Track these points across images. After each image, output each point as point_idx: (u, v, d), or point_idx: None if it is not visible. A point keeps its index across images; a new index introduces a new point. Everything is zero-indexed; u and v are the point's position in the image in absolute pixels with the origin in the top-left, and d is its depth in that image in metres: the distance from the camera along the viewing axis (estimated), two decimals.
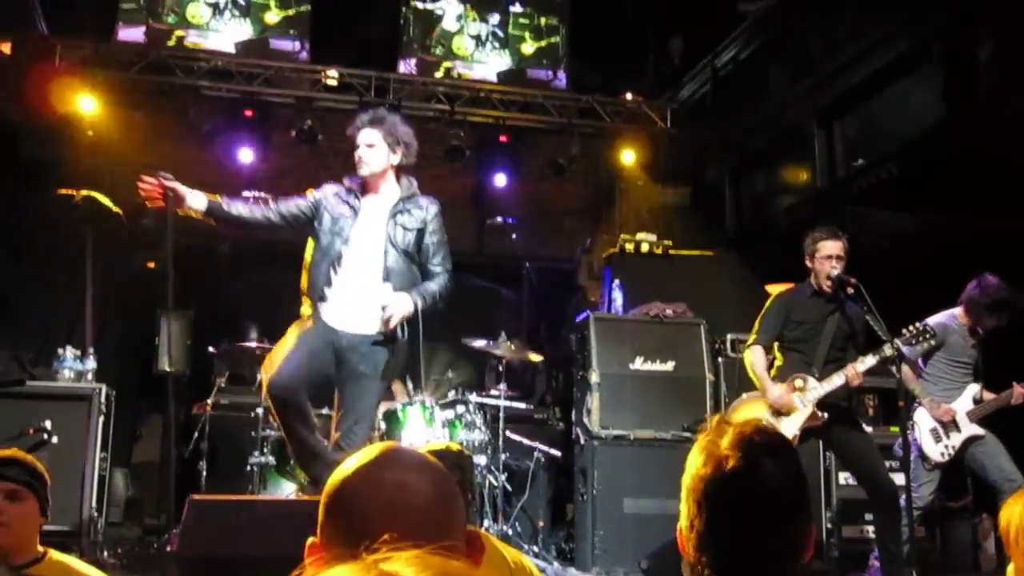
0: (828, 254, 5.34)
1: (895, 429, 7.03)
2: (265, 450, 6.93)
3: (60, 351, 6.88)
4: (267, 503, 4.68)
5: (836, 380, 5.24)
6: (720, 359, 7.61)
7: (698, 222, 9.69)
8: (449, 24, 9.81)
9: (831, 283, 5.36)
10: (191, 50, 9.06)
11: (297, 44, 9.33)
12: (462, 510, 1.38)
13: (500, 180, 9.79)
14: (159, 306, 8.46)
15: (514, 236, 9.19)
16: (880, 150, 7.53)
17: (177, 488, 6.82)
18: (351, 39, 9.57)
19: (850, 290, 5.30)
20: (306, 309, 4.81)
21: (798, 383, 5.33)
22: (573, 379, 7.74)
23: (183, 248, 9.46)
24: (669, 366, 7.38)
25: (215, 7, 9.23)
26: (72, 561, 3.05)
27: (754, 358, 5.51)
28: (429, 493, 1.31)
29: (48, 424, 6.18)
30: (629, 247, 8.62)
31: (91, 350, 7.00)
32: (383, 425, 6.60)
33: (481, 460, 6.78)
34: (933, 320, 5.93)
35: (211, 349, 8.03)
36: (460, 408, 7.01)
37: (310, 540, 1.34)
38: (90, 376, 6.82)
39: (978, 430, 6.06)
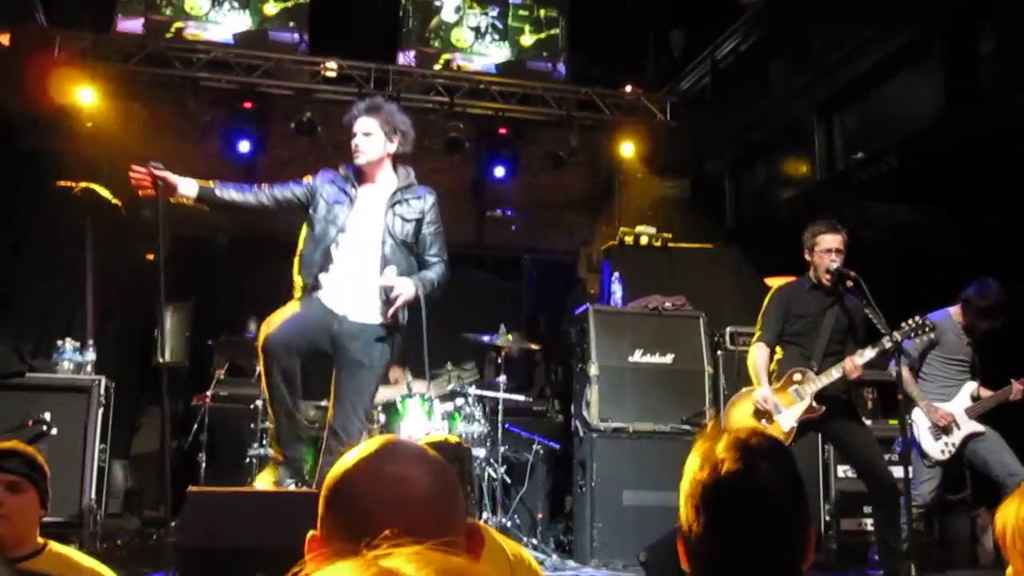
0: (827, 248, 5.34)
1: (894, 422, 7.05)
2: (264, 442, 6.92)
3: (59, 343, 6.88)
4: (266, 495, 4.67)
5: (834, 373, 5.24)
6: (719, 352, 7.62)
7: (698, 215, 9.69)
8: (448, 15, 9.79)
9: (830, 276, 5.36)
10: (190, 42, 9.04)
11: (296, 36, 9.31)
12: (462, 503, 1.38)
13: (499, 172, 9.79)
14: (158, 298, 8.47)
15: (513, 228, 9.22)
16: (880, 143, 7.52)
17: (176, 480, 6.83)
18: (350, 31, 9.55)
19: (849, 283, 5.30)
20: (297, 293, 4.80)
21: (797, 376, 5.33)
22: (572, 371, 7.75)
23: (182, 240, 9.50)
24: (668, 359, 7.39)
25: None
26: (72, 553, 3.05)
27: (755, 356, 5.52)
28: (430, 486, 1.31)
29: (48, 416, 6.19)
30: (628, 240, 8.61)
31: (91, 342, 7.00)
32: (382, 417, 6.60)
33: (480, 452, 6.79)
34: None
35: (210, 341, 8.04)
36: (459, 400, 7.02)
37: (310, 534, 1.34)
38: (90, 368, 6.82)
39: (978, 427, 6.07)
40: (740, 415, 5.46)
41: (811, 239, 5.41)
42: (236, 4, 9.23)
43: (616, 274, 8.33)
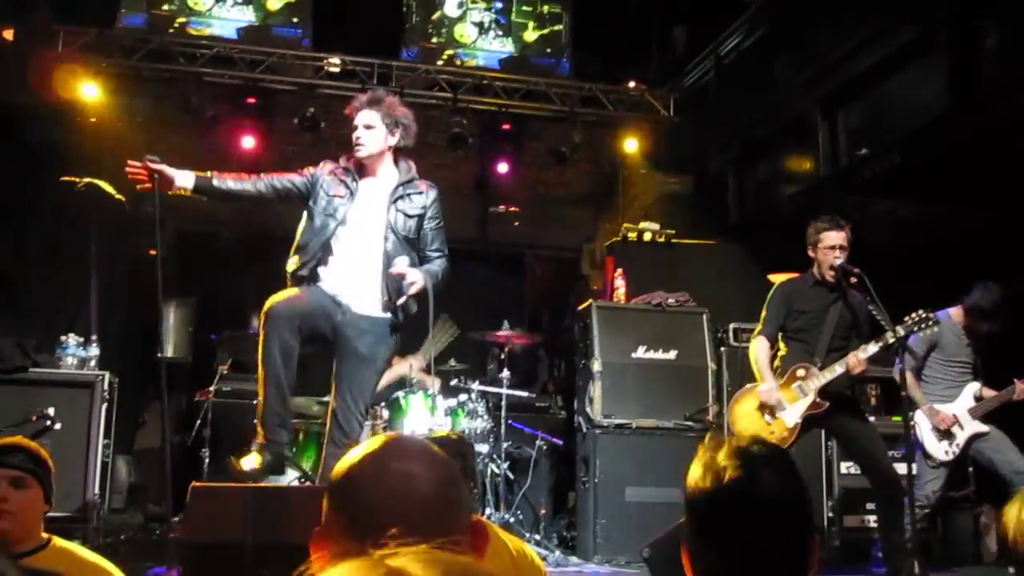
0: (831, 244, 5.33)
1: (897, 419, 7.04)
2: None
3: (63, 338, 6.89)
4: (269, 490, 4.67)
5: (838, 369, 5.24)
6: (722, 348, 7.62)
7: (701, 211, 9.67)
8: (451, 11, 9.78)
9: (834, 273, 5.35)
10: (193, 37, 9.04)
11: (299, 31, 9.31)
12: (467, 500, 1.38)
13: (503, 168, 9.78)
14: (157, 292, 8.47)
15: (516, 224, 9.21)
16: (884, 140, 7.51)
17: (180, 475, 6.83)
18: (353, 26, 9.54)
19: (853, 280, 5.30)
20: (290, 283, 4.76)
21: (800, 372, 5.33)
22: (575, 367, 7.74)
23: (186, 236, 9.50)
24: (671, 355, 7.39)
25: None
26: (75, 548, 3.06)
27: (757, 350, 5.51)
28: (434, 483, 1.31)
29: (51, 411, 6.20)
30: (632, 236, 8.60)
31: (94, 337, 7.01)
32: (386, 413, 6.61)
33: (483, 448, 6.80)
34: None
35: (213, 336, 8.04)
36: (462, 396, 7.02)
37: (315, 530, 1.34)
38: (93, 363, 6.83)
39: (981, 427, 6.08)
40: (744, 411, 5.46)
41: (815, 235, 5.41)
42: None
43: (619, 270, 8.34)
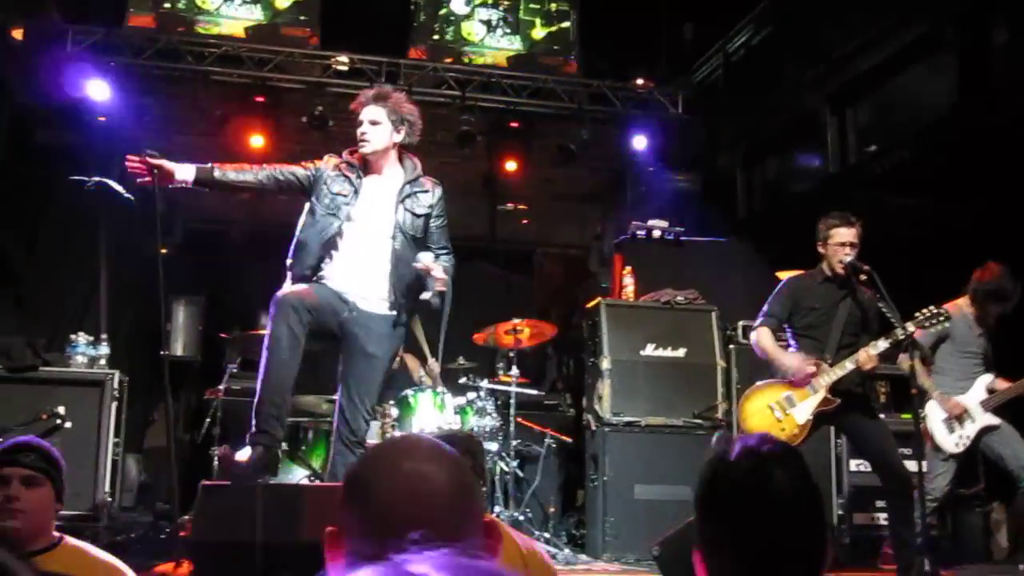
0: (841, 241, 5.31)
1: (907, 416, 7.02)
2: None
3: (73, 337, 6.91)
4: (280, 488, 4.68)
5: (848, 365, 5.22)
6: (731, 346, 7.60)
7: (709, 208, 9.66)
8: (459, 9, 9.77)
9: (844, 269, 5.34)
10: (202, 36, 9.05)
11: (307, 30, 9.31)
12: (480, 499, 1.38)
13: (511, 166, 9.77)
14: (170, 292, 8.49)
15: (524, 222, 9.19)
16: (893, 136, 7.50)
17: (189, 474, 6.86)
18: (361, 25, 9.54)
19: (863, 277, 5.28)
20: (289, 282, 4.70)
21: (811, 368, 5.31)
22: (584, 365, 7.74)
23: (196, 235, 9.51)
24: (680, 353, 7.39)
25: None
26: (87, 547, 3.07)
27: (761, 336, 5.50)
28: (448, 482, 1.31)
29: (61, 410, 6.22)
30: (640, 233, 8.59)
31: (104, 336, 7.03)
32: (395, 411, 6.61)
33: (492, 446, 6.79)
34: None
35: (222, 335, 8.05)
36: (471, 394, 7.02)
37: (328, 529, 1.34)
38: (103, 362, 6.85)
39: (993, 419, 6.04)
40: (754, 409, 5.44)
41: (825, 231, 5.39)
42: None
43: (628, 268, 8.33)
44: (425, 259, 4.65)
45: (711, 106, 9.85)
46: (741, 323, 7.60)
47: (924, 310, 5.26)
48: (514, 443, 7.07)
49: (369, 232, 4.73)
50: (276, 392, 4.48)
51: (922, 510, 5.11)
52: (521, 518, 6.83)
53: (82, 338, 6.90)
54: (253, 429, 4.43)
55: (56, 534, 3.02)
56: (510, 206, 10.21)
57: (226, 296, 9.43)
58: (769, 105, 9.06)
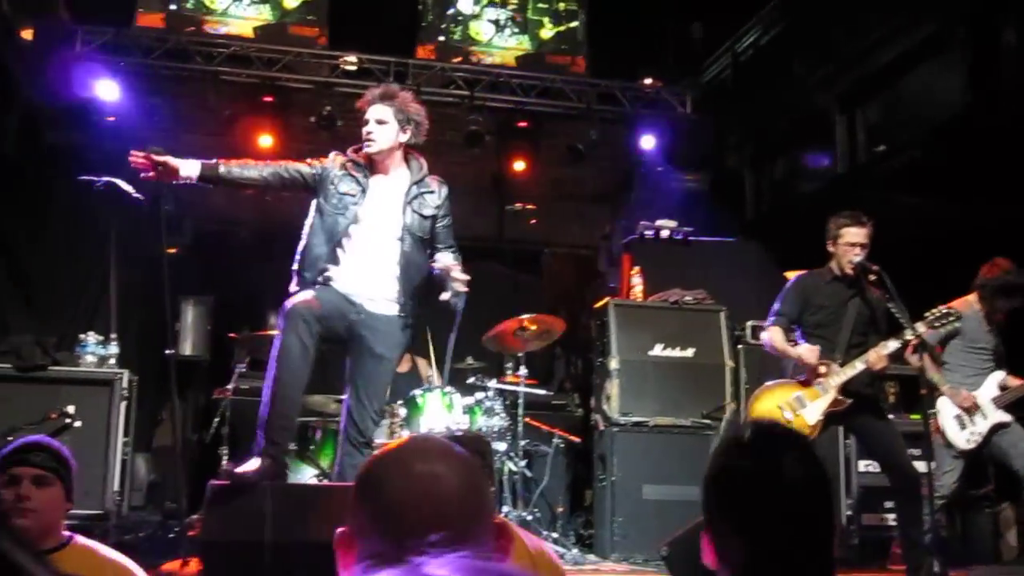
0: (852, 241, 5.29)
1: (916, 416, 7.01)
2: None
3: (82, 336, 6.93)
4: (287, 488, 4.68)
5: (859, 365, 5.21)
6: (740, 346, 7.60)
7: (718, 208, 9.65)
8: (467, 8, 9.78)
9: (853, 269, 5.33)
10: (210, 36, 9.07)
11: (316, 29, 9.33)
12: (491, 499, 1.38)
13: (519, 166, 9.76)
14: (179, 292, 8.51)
15: (533, 222, 9.17)
16: (903, 136, 7.48)
17: (198, 473, 6.86)
18: (369, 24, 9.55)
19: (872, 277, 5.27)
20: (296, 287, 4.69)
21: (821, 369, 5.30)
22: (592, 365, 7.74)
23: (204, 234, 9.52)
24: (689, 353, 7.38)
25: None
26: (97, 546, 3.07)
27: (772, 335, 5.48)
28: (460, 483, 1.31)
29: (71, 409, 6.23)
30: (649, 233, 8.59)
31: (113, 335, 7.04)
32: (403, 411, 6.61)
33: (500, 446, 6.79)
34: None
35: (231, 335, 8.06)
36: (479, 394, 7.02)
37: (341, 530, 1.34)
38: (113, 361, 6.86)
39: (1005, 416, 6.01)
40: (763, 409, 5.43)
41: (835, 231, 5.37)
42: None
43: (636, 268, 8.32)
44: (444, 260, 4.65)
45: (720, 106, 9.84)
46: (750, 323, 7.60)
47: (934, 310, 5.25)
48: (522, 443, 7.07)
49: (377, 233, 4.71)
50: (286, 405, 4.45)
51: (931, 508, 5.10)
52: (529, 518, 6.82)
53: (92, 337, 6.91)
54: (262, 442, 4.39)
55: (66, 533, 3.03)
56: (518, 206, 10.20)
57: (235, 296, 9.44)
58: (778, 105, 9.04)
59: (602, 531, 7.07)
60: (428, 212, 4.78)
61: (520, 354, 7.30)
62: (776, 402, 5.36)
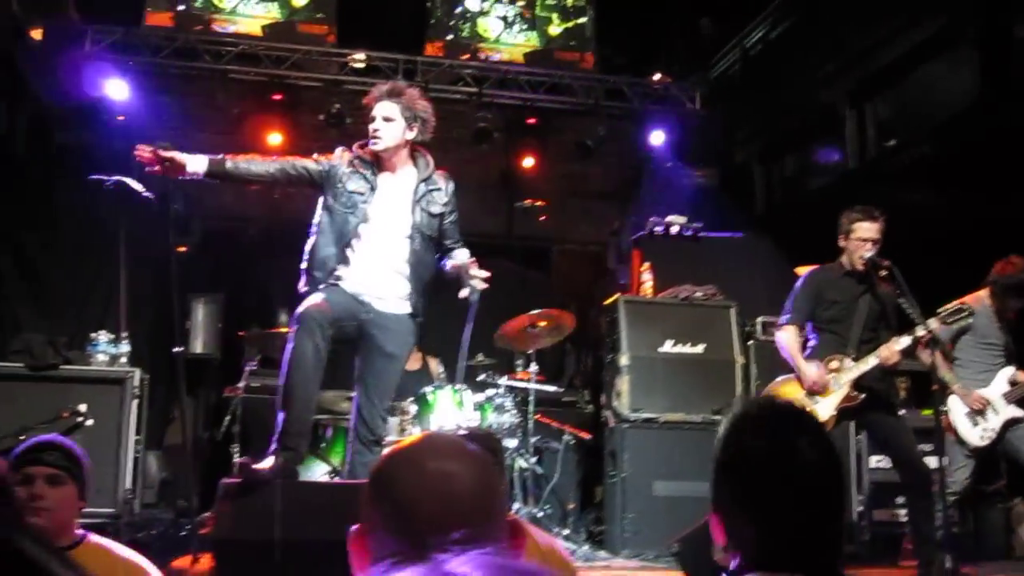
0: (864, 236, 5.27)
1: (928, 412, 6.98)
2: None
3: (93, 335, 6.95)
4: (298, 486, 4.69)
5: (871, 361, 5.20)
6: (750, 342, 7.58)
7: (728, 203, 9.62)
8: (475, 5, 9.77)
9: (864, 265, 5.31)
10: (219, 34, 9.08)
11: (324, 27, 9.33)
12: (504, 496, 1.38)
13: (528, 162, 9.76)
14: (189, 290, 8.52)
15: (542, 218, 9.15)
16: (913, 131, 7.46)
17: (210, 471, 6.88)
18: (378, 22, 9.55)
19: (883, 273, 5.25)
20: (303, 287, 4.70)
21: (833, 364, 5.29)
22: (602, 362, 7.73)
23: (214, 233, 9.53)
24: (699, 349, 7.37)
25: None
26: (110, 544, 3.08)
27: (787, 338, 5.46)
28: (472, 481, 1.31)
29: (83, 407, 6.25)
30: (658, 229, 8.57)
31: (124, 334, 7.06)
32: (413, 408, 6.62)
33: (511, 443, 6.79)
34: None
35: (241, 333, 8.08)
36: (490, 391, 7.02)
37: (355, 528, 1.34)
38: (124, 360, 6.88)
39: (1017, 411, 5.98)
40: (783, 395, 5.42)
41: (847, 225, 5.35)
42: None
43: (646, 264, 8.31)
44: (461, 257, 4.66)
45: (729, 101, 9.81)
46: (760, 319, 7.58)
47: (947, 306, 5.24)
48: (533, 440, 7.06)
49: (387, 232, 4.71)
50: (302, 410, 4.48)
51: (943, 504, 5.08)
52: (540, 515, 6.83)
53: (103, 336, 6.93)
54: (276, 446, 4.40)
55: (79, 532, 3.04)
56: (527, 202, 10.19)
57: (245, 293, 9.45)
58: (787, 100, 9.02)
59: (613, 527, 7.07)
60: (436, 210, 4.79)
61: (530, 351, 7.30)
62: (788, 397, 5.35)
